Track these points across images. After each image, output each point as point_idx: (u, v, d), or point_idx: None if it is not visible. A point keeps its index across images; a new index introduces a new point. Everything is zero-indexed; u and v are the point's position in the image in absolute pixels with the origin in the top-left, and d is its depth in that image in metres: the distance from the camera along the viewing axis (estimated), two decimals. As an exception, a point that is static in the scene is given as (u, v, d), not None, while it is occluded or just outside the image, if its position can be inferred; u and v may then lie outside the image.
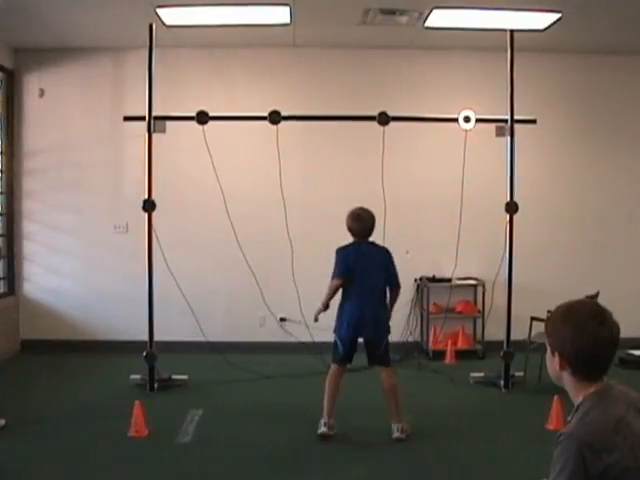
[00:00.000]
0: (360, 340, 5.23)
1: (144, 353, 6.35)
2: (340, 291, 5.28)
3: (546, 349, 2.15)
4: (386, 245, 5.51)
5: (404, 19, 6.80)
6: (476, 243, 7.56)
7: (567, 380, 2.08)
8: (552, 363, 2.11)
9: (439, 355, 7.64)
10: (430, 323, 7.83)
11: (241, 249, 6.56)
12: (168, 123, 6.45)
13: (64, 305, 7.98)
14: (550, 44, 7.47)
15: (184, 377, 6.63)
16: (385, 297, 5.29)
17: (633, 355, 7.03)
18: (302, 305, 6.97)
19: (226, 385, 6.62)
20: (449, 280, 7.40)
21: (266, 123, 6.38)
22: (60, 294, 7.99)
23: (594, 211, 8.13)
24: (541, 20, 6.68)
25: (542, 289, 7.58)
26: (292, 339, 7.72)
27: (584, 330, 2.00)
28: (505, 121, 6.47)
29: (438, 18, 6.64)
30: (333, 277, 5.27)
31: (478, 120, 6.49)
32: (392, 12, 6.64)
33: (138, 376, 6.49)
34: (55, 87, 7.91)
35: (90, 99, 7.93)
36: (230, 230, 6.54)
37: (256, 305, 7.27)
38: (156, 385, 6.37)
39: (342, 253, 5.31)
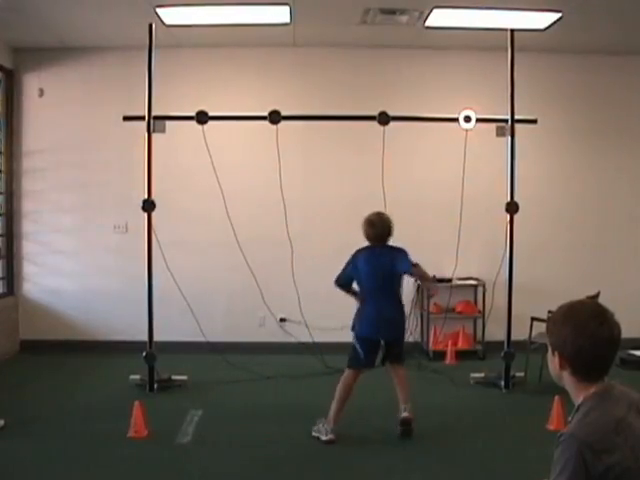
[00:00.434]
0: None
1: (144, 353, 6.34)
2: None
3: (547, 349, 2.14)
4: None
5: (404, 19, 6.79)
6: (476, 243, 7.56)
7: (567, 380, 2.08)
8: (553, 363, 2.10)
9: (439, 355, 7.63)
10: (430, 323, 7.83)
11: (241, 249, 6.55)
12: (168, 123, 6.45)
13: (63, 305, 7.98)
14: (550, 44, 7.47)
15: (184, 377, 6.62)
16: (400, 297, 5.42)
17: (634, 355, 7.01)
18: (302, 305, 6.99)
19: (226, 385, 6.60)
20: (449, 280, 7.39)
21: (266, 123, 6.38)
22: (59, 294, 7.99)
23: (595, 211, 8.13)
24: (541, 20, 6.67)
25: (542, 289, 7.57)
26: (292, 339, 7.71)
27: (584, 330, 1.99)
28: (505, 121, 6.46)
29: (438, 18, 6.64)
30: (336, 279, 5.62)
31: (478, 120, 6.49)
32: (392, 12, 6.63)
33: (138, 376, 6.48)
34: (54, 87, 7.91)
35: (89, 99, 7.93)
36: (230, 230, 6.53)
37: (256, 305, 7.26)
38: (156, 385, 6.36)
39: (352, 258, 5.54)
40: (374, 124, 6.41)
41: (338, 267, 7.89)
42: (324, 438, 5.10)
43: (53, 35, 7.35)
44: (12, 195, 7.96)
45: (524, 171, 6.88)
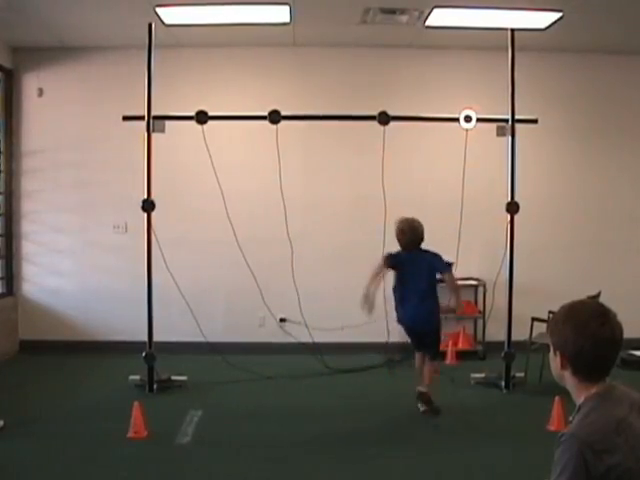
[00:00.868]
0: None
1: (143, 354, 6.32)
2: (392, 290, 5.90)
3: (548, 349, 2.14)
4: (386, 245, 5.67)
5: (404, 18, 6.78)
6: (477, 243, 7.55)
7: (569, 380, 2.07)
8: (554, 363, 2.10)
9: (439, 356, 7.60)
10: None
11: (241, 249, 6.54)
12: (167, 123, 6.44)
13: (63, 305, 7.97)
14: (551, 43, 7.46)
15: (183, 378, 6.61)
16: (435, 294, 5.87)
17: (634, 356, 7.01)
18: (302, 306, 6.97)
19: (226, 386, 6.60)
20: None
21: (266, 123, 6.36)
22: (59, 294, 7.98)
23: (595, 211, 8.12)
24: (542, 19, 6.66)
25: (543, 289, 7.56)
26: (292, 340, 7.69)
27: (585, 330, 1.99)
28: (506, 121, 6.45)
29: (438, 17, 6.63)
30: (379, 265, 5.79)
31: (479, 120, 6.48)
32: (392, 11, 6.62)
33: (137, 377, 6.47)
34: (54, 86, 7.90)
35: (89, 99, 7.92)
36: (230, 230, 6.52)
37: (256, 305, 7.24)
38: (155, 386, 6.35)
39: (390, 255, 5.85)
40: (374, 124, 6.40)
41: (338, 267, 7.94)
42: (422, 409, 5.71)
43: (52, 35, 7.34)
44: (11, 195, 7.95)
45: (525, 171, 6.87)
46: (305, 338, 7.29)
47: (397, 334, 7.18)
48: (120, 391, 6.34)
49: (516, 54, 6.41)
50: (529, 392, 6.34)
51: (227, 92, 7.86)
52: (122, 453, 4.82)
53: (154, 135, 6.36)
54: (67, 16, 6.75)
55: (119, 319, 7.80)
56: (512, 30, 6.41)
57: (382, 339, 6.97)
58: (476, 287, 7.93)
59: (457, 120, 6.48)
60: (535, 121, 6.59)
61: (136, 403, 5.20)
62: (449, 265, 5.86)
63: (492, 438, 5.19)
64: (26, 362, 7.50)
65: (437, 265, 5.78)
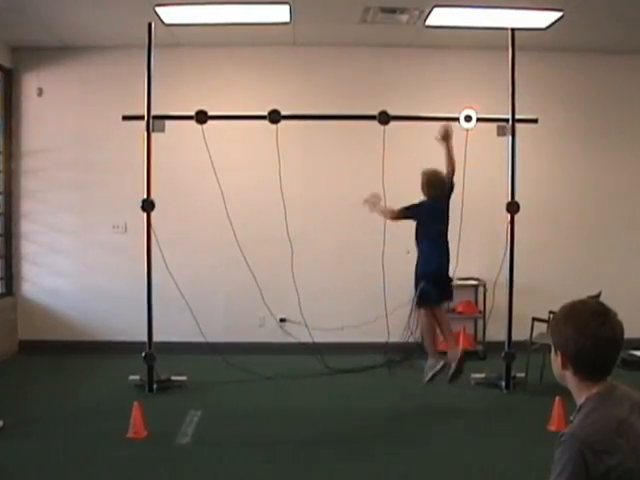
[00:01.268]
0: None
1: (143, 354, 6.32)
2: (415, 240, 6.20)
3: (548, 350, 2.13)
4: (386, 245, 5.64)
5: (404, 18, 6.77)
6: (477, 243, 7.54)
7: (570, 380, 2.07)
8: (555, 362, 2.09)
9: (440, 356, 7.58)
10: (431, 324, 7.78)
11: (240, 249, 6.52)
12: (167, 122, 6.43)
13: (62, 305, 7.96)
14: (551, 43, 7.45)
15: (183, 378, 6.61)
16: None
17: (635, 356, 6.99)
18: (302, 306, 6.96)
19: (225, 386, 6.59)
20: (450, 280, 7.35)
21: (266, 122, 6.36)
22: (58, 294, 7.97)
23: (596, 211, 8.11)
24: (542, 19, 6.66)
25: (543, 289, 7.55)
26: (292, 340, 7.68)
27: (586, 330, 1.98)
28: (506, 120, 6.44)
29: (439, 17, 6.62)
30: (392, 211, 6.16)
31: (479, 119, 6.47)
32: (392, 11, 6.62)
33: (137, 377, 6.47)
34: (53, 86, 7.89)
35: (88, 98, 7.91)
36: (230, 230, 6.50)
37: (256, 305, 7.23)
38: (155, 386, 6.34)
39: (416, 205, 6.19)
40: (374, 123, 6.39)
41: (338, 267, 7.93)
42: (438, 367, 5.87)
43: (52, 34, 7.33)
44: (11, 195, 7.94)
45: (525, 171, 6.86)
46: (305, 338, 7.27)
47: (397, 334, 7.18)
48: (120, 391, 6.33)
49: (516, 54, 6.41)
50: (529, 392, 6.33)
51: (227, 92, 7.85)
52: (122, 453, 4.82)
53: (154, 135, 6.35)
54: (67, 16, 6.74)
55: (119, 319, 7.79)
56: (512, 30, 6.41)
57: (382, 339, 6.96)
58: (476, 287, 7.92)
59: (457, 120, 6.47)
60: (535, 121, 6.58)
61: (136, 403, 5.19)
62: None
63: (492, 438, 5.18)
64: (25, 362, 7.49)
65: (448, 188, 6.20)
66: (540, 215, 7.78)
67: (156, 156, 6.39)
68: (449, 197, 6.22)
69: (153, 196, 6.35)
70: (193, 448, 4.95)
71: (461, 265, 6.82)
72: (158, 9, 6.31)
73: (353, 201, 7.80)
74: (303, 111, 6.90)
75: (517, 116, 6.42)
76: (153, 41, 6.31)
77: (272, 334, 7.94)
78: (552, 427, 5.21)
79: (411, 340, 7.85)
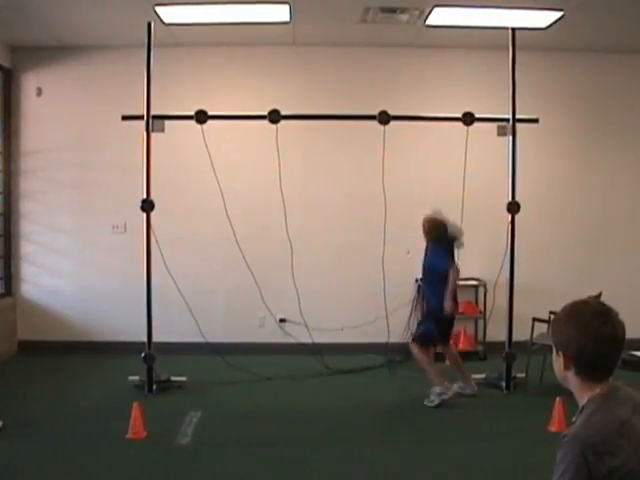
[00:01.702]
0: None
1: (143, 354, 6.30)
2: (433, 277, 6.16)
3: (549, 350, 2.11)
4: (386, 245, 5.60)
5: (405, 17, 6.76)
6: (477, 243, 7.50)
7: (572, 380, 2.05)
8: (557, 363, 2.08)
9: (440, 356, 7.55)
10: (431, 324, 7.77)
11: (240, 249, 6.52)
12: (167, 122, 6.42)
13: (62, 306, 7.95)
14: (552, 43, 7.44)
15: (183, 378, 6.60)
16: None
17: (636, 356, 6.98)
18: (302, 306, 6.95)
19: (225, 386, 6.57)
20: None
21: (265, 122, 6.35)
22: (58, 295, 7.95)
23: (596, 211, 8.10)
24: (543, 18, 6.65)
25: (544, 290, 7.53)
26: (292, 340, 7.68)
27: (587, 329, 1.97)
28: (507, 120, 6.43)
29: (439, 16, 6.61)
30: (455, 267, 6.12)
31: (479, 119, 6.46)
32: (393, 10, 6.60)
33: (137, 377, 6.45)
34: (53, 86, 7.88)
35: (88, 98, 7.90)
36: (229, 230, 6.50)
37: (255, 306, 7.23)
38: (155, 386, 6.33)
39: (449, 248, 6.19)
40: (374, 123, 6.39)
41: (338, 267, 7.92)
42: (449, 394, 5.93)
43: (51, 34, 7.32)
44: (10, 195, 7.92)
45: (525, 171, 6.85)
46: (305, 339, 7.27)
47: (397, 335, 7.19)
48: (119, 392, 6.31)
49: (517, 53, 6.40)
50: (530, 393, 6.31)
51: (227, 91, 7.84)
52: (121, 454, 4.80)
53: (153, 135, 6.33)
54: (66, 15, 6.73)
55: (118, 319, 7.77)
56: (513, 29, 6.40)
57: (382, 340, 6.96)
58: (477, 287, 7.91)
59: (458, 120, 6.46)
60: (536, 120, 6.57)
61: (135, 404, 5.18)
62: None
63: (493, 439, 5.17)
64: (25, 363, 7.48)
65: None
66: (541, 215, 7.78)
67: (156, 156, 6.37)
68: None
69: (153, 196, 6.34)
70: (193, 448, 4.93)
71: (461, 265, 6.81)
72: (158, 9, 6.30)
73: (353, 201, 7.84)
74: (303, 111, 6.89)
75: (518, 116, 6.40)
76: (153, 41, 6.30)
77: (272, 334, 7.92)
78: (552, 428, 5.19)
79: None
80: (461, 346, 7.73)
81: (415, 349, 6.09)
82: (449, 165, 7.21)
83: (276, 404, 6.08)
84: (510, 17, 6.56)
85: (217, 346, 7.07)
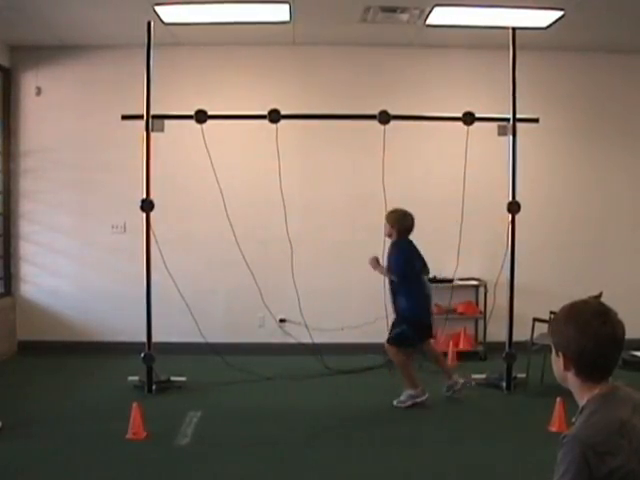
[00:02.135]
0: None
1: (142, 354, 6.29)
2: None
3: (550, 350, 2.11)
4: (386, 245, 5.80)
5: (405, 17, 6.75)
6: (478, 243, 7.53)
7: (572, 381, 2.05)
8: (557, 363, 2.07)
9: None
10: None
11: (240, 249, 6.51)
12: (167, 122, 6.42)
13: (61, 306, 7.94)
14: (552, 42, 7.43)
15: (183, 379, 6.59)
16: None
17: (636, 356, 6.97)
18: (302, 306, 6.94)
19: (225, 387, 6.56)
20: (450, 280, 7.35)
21: (265, 122, 6.34)
22: (57, 295, 7.94)
23: (596, 211, 8.09)
24: (543, 18, 6.65)
25: (544, 290, 7.52)
26: (292, 340, 7.67)
27: (587, 330, 1.96)
28: (507, 120, 6.42)
29: (439, 16, 6.60)
30: (398, 271, 5.89)
31: (480, 119, 6.45)
32: (393, 10, 6.60)
33: (136, 378, 6.45)
34: (52, 85, 7.87)
35: (87, 98, 7.89)
36: (229, 230, 6.49)
37: (255, 306, 7.21)
38: (154, 387, 6.32)
39: (406, 247, 6.00)
40: (374, 123, 6.38)
41: (338, 267, 7.91)
42: (423, 398, 5.84)
43: (51, 33, 7.31)
44: (9, 195, 7.91)
45: (526, 170, 6.84)
46: (305, 339, 7.26)
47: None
48: (119, 392, 6.30)
49: (517, 53, 6.39)
50: (530, 393, 6.31)
51: (226, 91, 7.83)
52: (121, 454, 4.80)
53: (153, 135, 6.33)
54: (65, 15, 6.72)
55: (118, 319, 7.76)
56: (513, 29, 6.39)
57: (382, 340, 6.92)
58: (477, 287, 7.90)
59: (458, 119, 6.45)
60: (536, 120, 6.57)
61: (135, 404, 5.17)
62: None
63: (493, 439, 5.16)
64: (24, 363, 7.47)
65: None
66: (541, 215, 7.77)
67: (155, 156, 6.37)
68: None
69: (152, 196, 6.33)
70: (192, 449, 4.93)
71: (461, 265, 6.84)
72: (157, 8, 6.29)
73: (353, 201, 7.83)
74: (303, 110, 6.89)
75: (518, 115, 6.39)
76: (152, 40, 6.29)
77: (272, 334, 7.92)
78: (553, 428, 5.18)
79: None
80: (461, 346, 7.73)
81: (391, 351, 5.94)
82: (449, 165, 7.20)
83: (276, 404, 6.07)
84: (510, 16, 6.55)
85: (217, 346, 7.05)
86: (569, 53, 7.85)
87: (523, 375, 6.47)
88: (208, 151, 6.23)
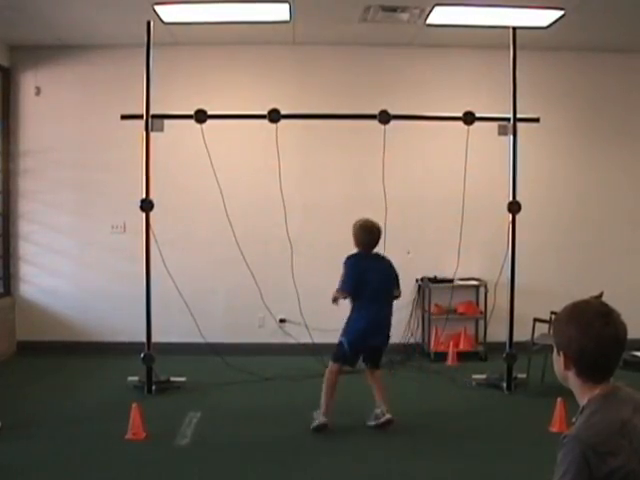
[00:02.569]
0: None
1: (142, 355, 6.28)
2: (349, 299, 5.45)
3: (550, 350, 2.10)
4: (387, 245, 5.60)
5: (405, 16, 6.74)
6: (478, 243, 7.52)
7: (572, 380, 2.04)
8: (558, 363, 2.06)
9: (440, 357, 7.57)
10: (431, 324, 7.77)
11: (240, 249, 6.50)
12: (166, 122, 6.40)
13: (61, 306, 7.92)
14: (553, 42, 7.42)
15: (182, 379, 6.58)
16: (392, 305, 5.50)
17: (637, 357, 6.95)
18: (302, 306, 6.93)
19: (225, 387, 6.55)
20: (451, 281, 7.34)
21: (265, 122, 6.33)
22: (57, 295, 7.93)
23: (597, 211, 8.08)
24: (544, 17, 6.63)
25: (545, 290, 7.51)
26: (291, 340, 7.66)
27: (589, 330, 1.96)
28: (507, 120, 6.41)
29: (440, 15, 6.59)
30: (342, 289, 5.43)
31: (480, 119, 6.44)
32: (393, 9, 6.58)
33: (136, 378, 6.43)
34: (51, 85, 7.85)
35: (87, 97, 7.88)
36: (229, 230, 6.49)
37: (255, 306, 7.21)
38: (154, 387, 6.31)
39: (351, 263, 5.46)
40: (375, 123, 6.37)
41: (338, 267, 7.87)
42: (321, 423, 5.23)
43: (50, 33, 7.30)
44: (9, 195, 7.90)
45: (526, 170, 6.82)
46: (305, 339, 7.25)
47: (397, 335, 7.15)
48: (119, 392, 6.29)
49: (518, 53, 6.38)
50: (531, 393, 6.30)
51: (226, 91, 7.82)
52: (120, 455, 4.79)
53: (153, 134, 6.32)
54: (65, 14, 6.71)
55: (117, 320, 7.75)
56: (514, 28, 6.38)
57: (382, 340, 6.93)
58: (477, 287, 7.89)
59: (458, 119, 6.44)
60: (537, 120, 6.56)
61: (135, 404, 5.16)
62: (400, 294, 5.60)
63: (493, 439, 5.15)
64: (24, 363, 7.46)
65: (396, 285, 5.49)
66: (541, 215, 7.76)
67: (155, 156, 6.36)
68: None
69: (152, 196, 6.32)
70: (192, 449, 4.92)
71: (462, 265, 6.84)
72: (157, 7, 6.28)
73: (353, 201, 7.81)
74: (303, 110, 6.87)
75: (518, 115, 6.38)
76: (152, 40, 6.28)
77: (272, 335, 7.91)
78: (554, 428, 5.17)
79: (411, 341, 7.88)
80: (462, 346, 7.73)
81: (329, 366, 5.49)
82: (449, 165, 7.19)
83: (276, 405, 6.06)
84: (511, 16, 6.54)
85: (217, 346, 7.06)
86: (569, 53, 7.84)
87: (524, 375, 6.46)
88: (208, 151, 6.23)
